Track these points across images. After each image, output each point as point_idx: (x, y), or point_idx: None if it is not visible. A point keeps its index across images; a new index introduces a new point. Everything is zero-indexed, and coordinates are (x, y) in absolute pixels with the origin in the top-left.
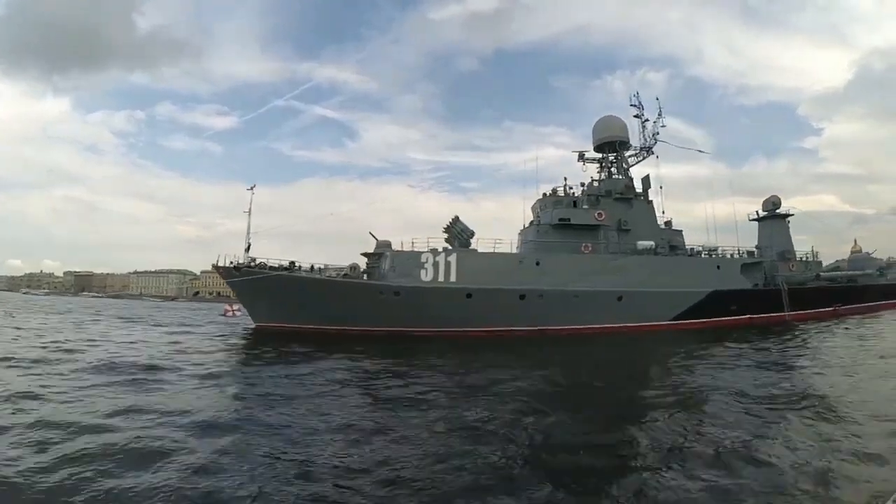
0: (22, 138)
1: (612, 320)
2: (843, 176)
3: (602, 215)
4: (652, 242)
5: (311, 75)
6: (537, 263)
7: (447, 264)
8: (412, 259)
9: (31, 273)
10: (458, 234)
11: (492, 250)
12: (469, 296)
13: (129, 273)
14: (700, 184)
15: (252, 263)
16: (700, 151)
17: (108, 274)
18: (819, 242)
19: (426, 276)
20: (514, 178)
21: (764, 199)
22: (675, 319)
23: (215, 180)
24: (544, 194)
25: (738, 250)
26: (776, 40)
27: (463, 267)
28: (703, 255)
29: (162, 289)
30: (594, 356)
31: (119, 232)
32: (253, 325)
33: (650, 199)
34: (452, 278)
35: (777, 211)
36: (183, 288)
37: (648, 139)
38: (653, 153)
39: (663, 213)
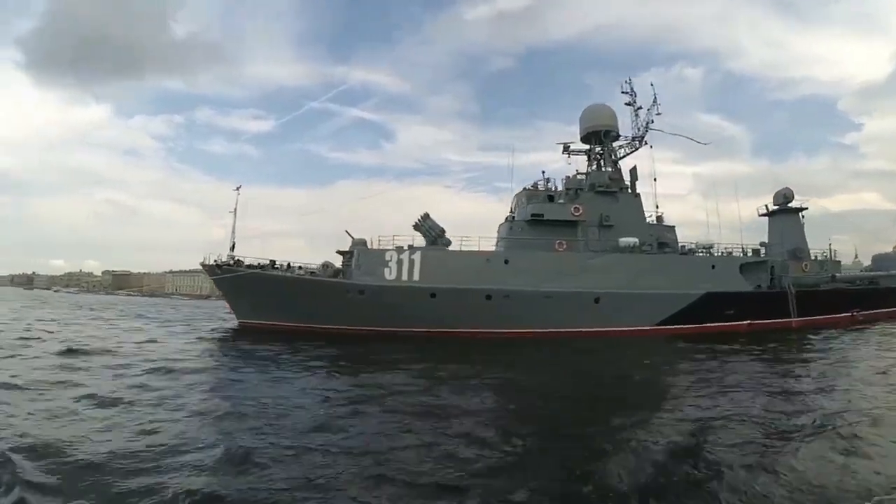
0: (63, 144)
1: (589, 324)
2: (884, 172)
3: (579, 210)
4: (635, 239)
5: (345, 78)
6: (506, 262)
7: (411, 263)
8: (377, 257)
9: (70, 272)
10: (426, 231)
11: (462, 249)
12: (433, 295)
13: (165, 273)
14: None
15: (232, 262)
16: (690, 139)
17: (144, 273)
18: (860, 242)
19: (390, 274)
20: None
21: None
22: (661, 324)
23: (252, 183)
24: (524, 188)
25: (743, 248)
26: (813, 32)
27: (427, 266)
28: (699, 254)
29: (196, 288)
30: (548, 365)
31: (158, 233)
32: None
33: (637, 192)
34: (416, 277)
35: (789, 204)
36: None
37: (641, 128)
38: (646, 143)
39: (657, 207)
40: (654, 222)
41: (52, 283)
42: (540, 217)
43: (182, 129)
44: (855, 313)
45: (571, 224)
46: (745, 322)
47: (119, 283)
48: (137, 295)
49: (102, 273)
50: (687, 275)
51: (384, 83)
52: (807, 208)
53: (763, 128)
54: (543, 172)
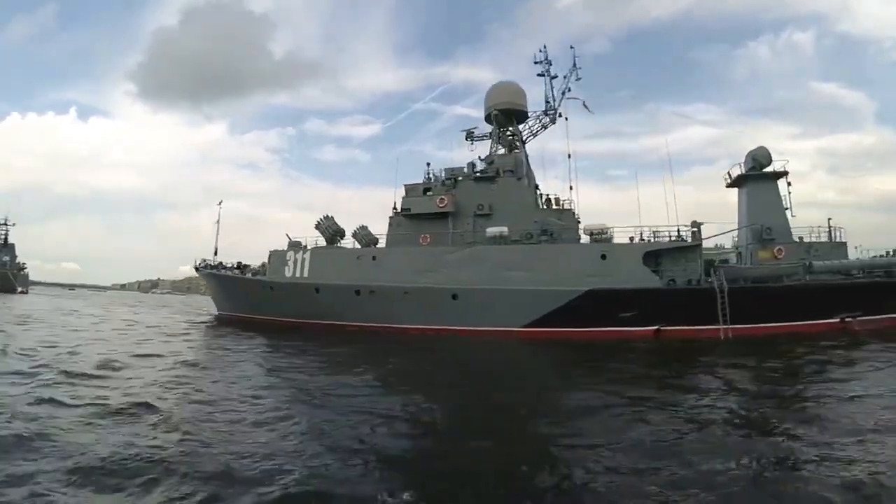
0: (184, 162)
1: (448, 322)
2: None
3: (444, 201)
4: (503, 228)
5: (445, 77)
6: (374, 259)
7: (303, 261)
8: (280, 257)
9: (190, 277)
10: (324, 230)
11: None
12: (317, 291)
13: None
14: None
15: (204, 264)
16: (586, 108)
17: None
18: None
19: (289, 272)
20: (660, 164)
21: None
22: (533, 325)
23: (363, 185)
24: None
25: (679, 231)
26: None
27: (315, 263)
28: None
29: None
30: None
31: (275, 238)
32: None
33: (522, 175)
34: (305, 274)
35: (764, 169)
36: None
37: (555, 101)
38: (561, 116)
39: (571, 188)
40: (554, 207)
41: (174, 287)
42: (408, 211)
43: (294, 141)
44: (848, 319)
45: (441, 216)
46: (651, 328)
47: None
48: None
49: None
50: (564, 268)
51: (484, 79)
52: (787, 172)
53: (885, 93)
54: (428, 164)
